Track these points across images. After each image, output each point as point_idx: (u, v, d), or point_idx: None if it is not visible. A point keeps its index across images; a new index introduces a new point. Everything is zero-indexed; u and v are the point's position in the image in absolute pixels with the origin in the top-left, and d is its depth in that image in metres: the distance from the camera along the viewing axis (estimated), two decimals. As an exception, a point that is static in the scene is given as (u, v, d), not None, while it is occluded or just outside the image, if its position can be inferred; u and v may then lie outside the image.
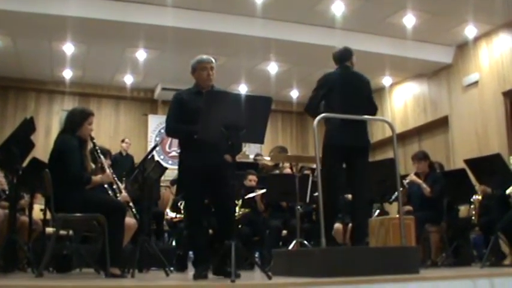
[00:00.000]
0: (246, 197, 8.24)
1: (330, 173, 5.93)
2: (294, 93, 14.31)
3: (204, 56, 5.63)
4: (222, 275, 5.04)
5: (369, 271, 4.55)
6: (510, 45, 10.65)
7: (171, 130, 5.59)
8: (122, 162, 10.75)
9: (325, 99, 6.21)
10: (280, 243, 8.56)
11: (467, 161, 7.55)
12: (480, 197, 8.28)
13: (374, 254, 4.97)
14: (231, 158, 5.01)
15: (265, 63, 12.11)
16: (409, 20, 10.31)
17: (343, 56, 6.53)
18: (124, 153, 11.65)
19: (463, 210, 9.02)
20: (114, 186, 6.16)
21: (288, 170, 9.23)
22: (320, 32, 10.51)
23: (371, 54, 10.93)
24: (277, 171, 9.67)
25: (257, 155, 11.76)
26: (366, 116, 6.11)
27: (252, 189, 8.46)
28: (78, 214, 5.31)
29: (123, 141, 11.98)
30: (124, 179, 6.98)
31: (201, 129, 4.88)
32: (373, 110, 6.41)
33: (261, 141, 5.19)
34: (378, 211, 8.07)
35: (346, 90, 6.22)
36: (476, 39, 11.22)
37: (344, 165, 6.23)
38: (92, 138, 5.84)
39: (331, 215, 5.99)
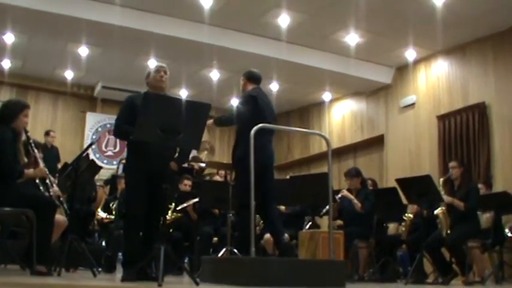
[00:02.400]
0: (179, 207, 8.20)
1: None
2: (234, 102, 14.31)
3: (159, 64, 5.82)
4: (145, 278, 5.00)
5: (296, 283, 4.59)
6: (447, 71, 10.93)
7: (118, 132, 5.65)
8: (47, 155, 10.50)
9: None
10: (211, 250, 8.54)
11: (398, 180, 7.70)
12: (412, 216, 8.46)
13: (302, 266, 5.00)
14: (176, 166, 5.00)
15: (208, 69, 12.09)
16: (353, 39, 10.45)
17: (260, 79, 6.72)
18: (49, 146, 11.37)
19: (391, 227, 9.19)
20: (47, 181, 6.04)
21: (218, 178, 9.26)
22: (265, 43, 10.57)
23: (313, 68, 11.07)
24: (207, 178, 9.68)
25: (193, 158, 11.71)
26: (305, 130, 6.19)
27: (186, 194, 8.42)
28: (7, 208, 5.18)
29: (48, 133, 11.70)
30: (57, 175, 6.85)
31: (136, 129, 4.85)
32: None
33: (197, 147, 5.23)
34: (309, 223, 8.14)
35: (269, 109, 6.42)
36: (416, 62, 11.46)
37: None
38: (26, 131, 5.71)
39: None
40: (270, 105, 6.53)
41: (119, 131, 5.64)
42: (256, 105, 6.28)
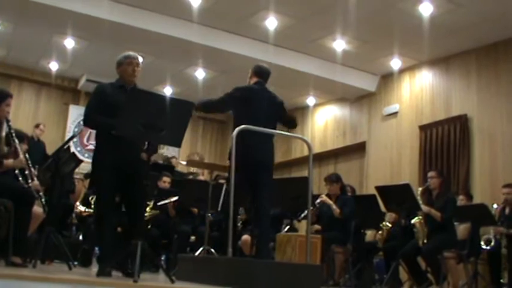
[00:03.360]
0: (159, 203, 8.17)
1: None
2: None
3: (132, 52, 5.60)
4: (123, 272, 4.99)
5: (271, 285, 4.59)
6: (430, 82, 11.00)
7: (89, 121, 5.46)
8: (33, 148, 10.41)
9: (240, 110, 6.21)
10: (188, 248, 8.53)
11: (378, 188, 7.74)
12: (390, 224, 8.51)
13: (278, 269, 5.01)
14: (146, 157, 4.98)
15: (193, 68, 12.04)
16: (339, 45, 10.47)
17: (266, 75, 6.54)
18: (36, 139, 11.28)
19: (369, 234, 9.22)
20: (26, 172, 5.99)
21: (202, 178, 9.25)
22: (252, 45, 10.55)
23: (298, 72, 11.07)
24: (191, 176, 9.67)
25: (173, 157, 11.70)
26: (286, 133, 6.17)
27: (165, 191, 8.40)
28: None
29: (37, 126, 11.60)
30: (37, 166, 6.80)
31: (119, 124, 4.82)
32: (291, 125, 6.51)
33: (179, 145, 5.21)
34: (287, 227, 8.15)
35: (262, 108, 6.24)
36: (400, 71, 11.51)
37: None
38: (7, 121, 5.66)
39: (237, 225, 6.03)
40: (267, 102, 6.33)
41: (89, 120, 5.45)
42: (243, 97, 6.20)
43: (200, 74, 12.29)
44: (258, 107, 6.18)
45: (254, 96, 6.24)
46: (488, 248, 7.78)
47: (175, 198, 8.20)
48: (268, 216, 6.18)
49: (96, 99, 5.43)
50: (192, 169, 10.28)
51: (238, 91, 6.30)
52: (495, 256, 7.72)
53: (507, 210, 8.11)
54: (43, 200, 6.12)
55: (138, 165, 5.29)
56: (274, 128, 6.27)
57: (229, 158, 5.99)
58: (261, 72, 6.50)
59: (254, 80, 6.45)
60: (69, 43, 11.26)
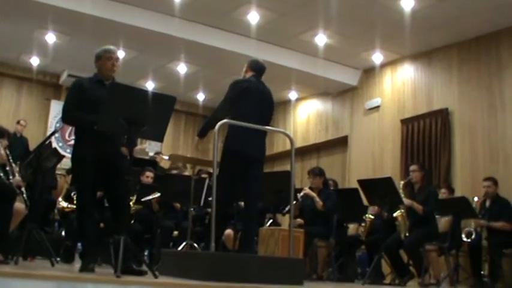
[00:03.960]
0: (143, 199, 8.14)
1: (227, 179, 5.94)
2: (200, 96, 14.29)
3: (111, 47, 5.55)
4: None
5: (254, 279, 4.60)
6: (412, 76, 11.06)
7: (68, 117, 5.38)
8: (15, 144, 10.35)
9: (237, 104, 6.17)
10: (171, 243, 8.52)
11: (360, 181, 7.76)
12: (372, 217, 8.54)
13: (261, 263, 5.02)
14: (127, 151, 4.96)
15: (175, 62, 12.02)
16: (321, 39, 10.49)
17: (262, 70, 6.54)
18: (18, 135, 11.22)
19: (352, 228, 9.25)
20: (7, 168, 5.95)
21: (187, 173, 9.22)
22: (234, 39, 10.54)
23: (280, 67, 11.06)
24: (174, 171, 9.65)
25: (156, 152, 11.68)
26: (268, 127, 6.17)
27: (147, 186, 8.38)
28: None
29: (18, 122, 11.55)
30: (18, 162, 6.76)
31: (100, 120, 4.80)
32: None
33: (161, 140, 5.20)
34: (270, 221, 8.16)
35: (258, 101, 6.24)
36: (382, 66, 11.57)
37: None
38: (-13, 117, 5.62)
39: (222, 220, 6.01)
40: (262, 97, 6.30)
41: (67, 116, 5.38)
42: (239, 92, 6.18)
43: (182, 68, 12.27)
44: (256, 98, 6.18)
45: (253, 88, 6.23)
46: (469, 240, 7.85)
47: (159, 194, 8.18)
48: (256, 211, 6.20)
49: (74, 95, 5.35)
50: (179, 164, 10.24)
51: (238, 83, 6.28)
52: (476, 248, 7.78)
53: (488, 203, 8.20)
54: (25, 195, 6.09)
55: (119, 160, 5.26)
56: (268, 122, 6.26)
57: (223, 152, 6.01)
58: (257, 67, 6.49)
59: (250, 74, 6.43)
60: (51, 38, 11.17)
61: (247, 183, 6.04)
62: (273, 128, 6.62)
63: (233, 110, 6.02)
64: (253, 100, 6.14)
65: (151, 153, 11.78)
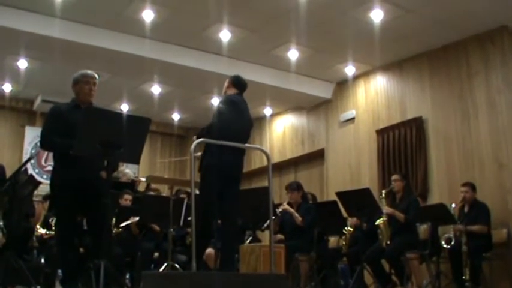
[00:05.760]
0: (121, 225, 8.10)
1: (208, 197, 5.94)
2: (176, 116, 14.28)
3: (89, 71, 5.57)
4: None
5: (236, 296, 4.59)
6: (385, 86, 11.14)
7: (46, 143, 5.41)
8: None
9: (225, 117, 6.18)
10: (152, 265, 8.48)
11: (338, 194, 7.81)
12: (352, 229, 8.58)
13: (243, 280, 5.01)
14: (106, 175, 4.95)
15: (149, 83, 12.00)
16: (293, 54, 10.53)
17: (244, 87, 6.57)
18: None
19: (332, 241, 9.29)
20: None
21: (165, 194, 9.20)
22: (206, 58, 10.55)
23: (254, 83, 10.96)
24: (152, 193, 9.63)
25: (136, 177, 11.60)
26: (245, 144, 6.19)
27: (126, 209, 8.35)
28: None
29: None
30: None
31: (76, 144, 4.79)
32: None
33: (137, 162, 5.20)
34: (250, 238, 8.16)
35: (243, 118, 6.28)
36: (355, 77, 11.64)
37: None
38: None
39: (205, 239, 6.01)
40: (246, 114, 6.40)
41: (45, 142, 5.40)
42: (233, 110, 6.21)
43: (156, 89, 12.26)
44: (241, 116, 6.23)
45: (239, 105, 6.28)
46: (448, 246, 7.91)
47: (137, 218, 8.15)
48: (236, 228, 6.21)
49: (52, 121, 5.38)
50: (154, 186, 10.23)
51: (228, 98, 6.32)
52: (456, 254, 7.83)
53: (466, 208, 8.28)
54: (1, 223, 6.04)
55: (98, 184, 5.25)
56: (246, 140, 6.30)
57: (200, 169, 6.02)
58: (239, 84, 6.54)
59: (233, 91, 6.47)
60: (22, 64, 11.09)
61: (226, 201, 6.05)
62: (249, 145, 6.63)
63: (221, 124, 6.05)
64: (239, 117, 6.20)
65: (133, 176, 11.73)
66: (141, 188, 10.90)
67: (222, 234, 6.27)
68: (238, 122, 6.19)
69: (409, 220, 7.78)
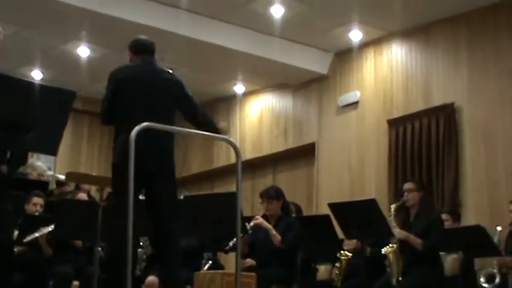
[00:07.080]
0: (26, 240, 8.01)
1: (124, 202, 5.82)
2: (110, 90, 14.19)
3: None
4: None
5: None
6: (403, 60, 11.12)
7: None
8: None
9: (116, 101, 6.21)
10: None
11: (332, 206, 7.78)
12: (350, 255, 8.55)
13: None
14: (7, 170, 4.90)
15: (74, 43, 11.88)
16: (277, 10, 10.45)
17: (149, 47, 6.56)
18: None
19: (323, 270, 9.28)
20: None
21: (82, 195, 9.11)
22: (157, 10, 10.41)
23: (221, 48, 11.03)
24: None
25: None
26: (203, 132, 6.14)
27: (35, 218, 8.27)
28: None
29: None
30: None
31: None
32: (193, 115, 6.46)
33: (54, 152, 5.12)
34: (209, 262, 8.14)
35: (146, 92, 6.22)
36: (362, 46, 11.64)
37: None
38: None
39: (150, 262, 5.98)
40: (154, 84, 6.31)
41: None
42: (116, 85, 6.20)
43: (84, 51, 12.16)
44: (142, 89, 6.17)
45: (136, 77, 6.22)
46: (490, 286, 7.90)
47: (49, 229, 8.06)
48: (177, 249, 6.15)
49: None
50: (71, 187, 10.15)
51: (113, 74, 6.33)
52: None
53: (517, 235, 8.24)
54: None
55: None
56: (172, 121, 6.23)
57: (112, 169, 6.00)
58: (138, 46, 6.51)
59: (134, 58, 6.45)
60: None
61: (153, 205, 6.03)
62: (212, 134, 6.58)
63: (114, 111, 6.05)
64: (137, 93, 6.13)
65: (50, 172, 11.60)
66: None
67: (159, 259, 6.23)
68: (126, 102, 6.13)
69: (429, 247, 7.73)
